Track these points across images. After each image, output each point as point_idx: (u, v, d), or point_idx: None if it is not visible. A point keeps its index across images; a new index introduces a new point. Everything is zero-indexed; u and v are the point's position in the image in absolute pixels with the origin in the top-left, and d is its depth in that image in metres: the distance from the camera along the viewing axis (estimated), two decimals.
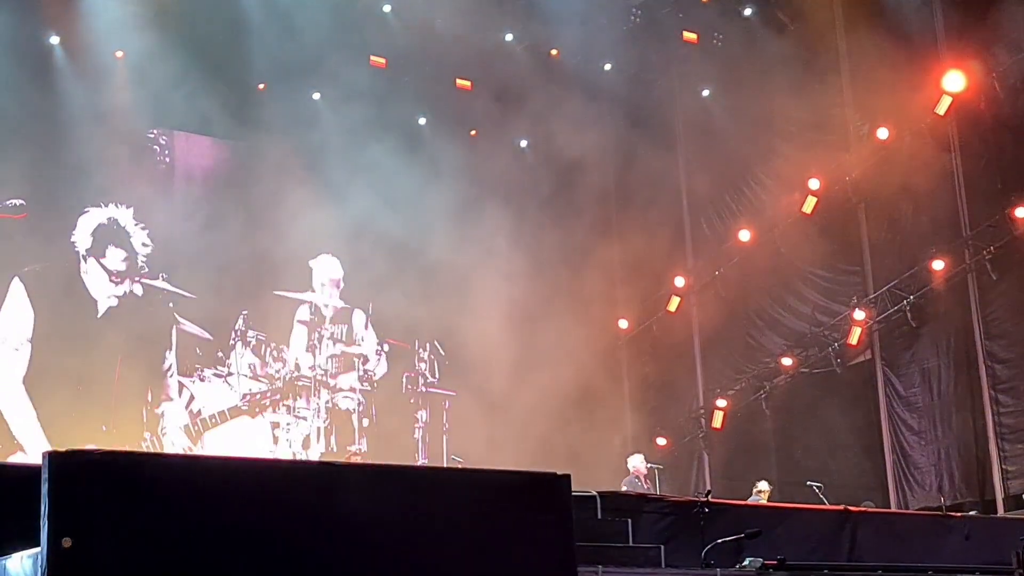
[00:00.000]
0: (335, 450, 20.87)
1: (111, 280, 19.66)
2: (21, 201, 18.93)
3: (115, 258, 19.74)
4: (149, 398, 19.58)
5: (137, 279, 19.83)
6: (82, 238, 19.52)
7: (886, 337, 19.21)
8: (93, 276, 19.55)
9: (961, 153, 18.04)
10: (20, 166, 18.90)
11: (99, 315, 19.44)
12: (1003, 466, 16.91)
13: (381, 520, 4.68)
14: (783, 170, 20.74)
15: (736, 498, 14.90)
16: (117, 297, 19.64)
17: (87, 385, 18.70)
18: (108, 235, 19.72)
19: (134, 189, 20.08)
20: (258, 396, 20.68)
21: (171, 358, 19.93)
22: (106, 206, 19.73)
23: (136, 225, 19.93)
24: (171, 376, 19.87)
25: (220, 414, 20.25)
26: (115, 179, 19.89)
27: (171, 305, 20.11)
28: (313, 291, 21.71)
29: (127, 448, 17.53)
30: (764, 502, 15.68)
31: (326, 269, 21.86)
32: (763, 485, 16.16)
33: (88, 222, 19.60)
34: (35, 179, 19.12)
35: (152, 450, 18.57)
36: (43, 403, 18.41)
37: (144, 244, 19.98)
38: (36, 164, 19.07)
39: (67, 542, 4.03)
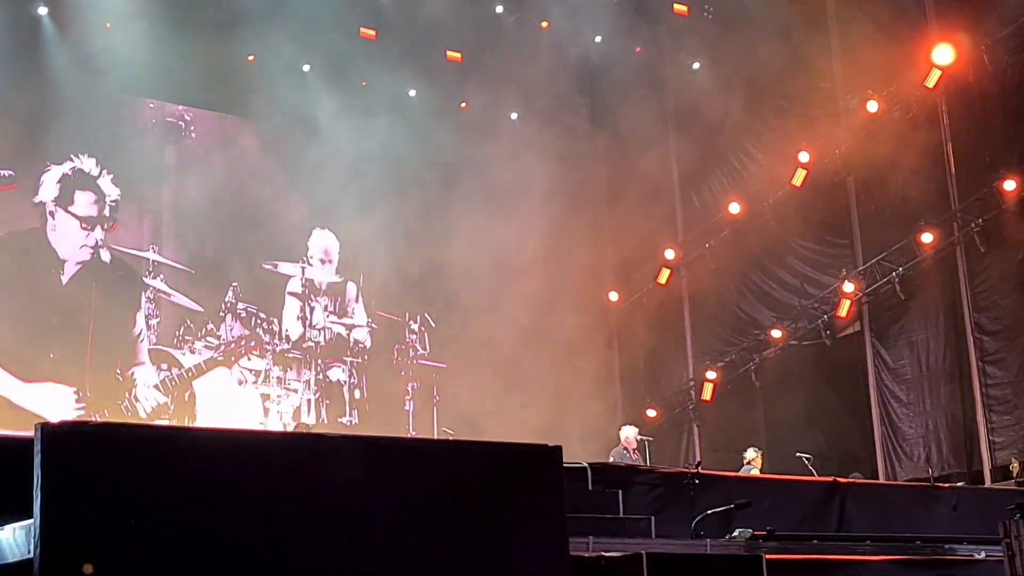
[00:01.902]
0: (326, 422, 20.91)
1: (81, 227, 19.52)
2: (10, 172, 18.89)
3: (83, 202, 19.58)
4: (129, 367, 19.55)
5: (111, 245, 19.72)
6: (48, 191, 19.32)
7: (875, 309, 19.27)
8: (60, 231, 19.37)
9: (950, 126, 18.04)
10: (8, 137, 18.82)
11: (66, 280, 19.28)
12: (990, 437, 16.99)
13: (372, 492, 4.71)
14: (773, 143, 20.75)
15: (725, 470, 14.95)
16: (89, 249, 19.44)
17: (61, 352, 18.64)
18: (74, 183, 19.53)
19: (123, 159, 20.02)
20: (232, 346, 20.62)
21: (141, 323, 19.85)
22: (77, 157, 19.61)
23: (107, 176, 19.81)
24: (141, 342, 19.78)
25: (197, 367, 20.18)
26: (105, 151, 19.83)
27: (160, 276, 20.09)
28: (304, 263, 21.67)
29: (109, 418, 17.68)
30: (756, 470, 15.76)
31: (318, 241, 21.83)
32: (751, 453, 16.25)
33: (53, 175, 19.42)
34: (24, 150, 19.04)
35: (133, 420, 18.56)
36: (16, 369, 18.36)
37: (111, 190, 19.80)
38: (24, 135, 18.97)
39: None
